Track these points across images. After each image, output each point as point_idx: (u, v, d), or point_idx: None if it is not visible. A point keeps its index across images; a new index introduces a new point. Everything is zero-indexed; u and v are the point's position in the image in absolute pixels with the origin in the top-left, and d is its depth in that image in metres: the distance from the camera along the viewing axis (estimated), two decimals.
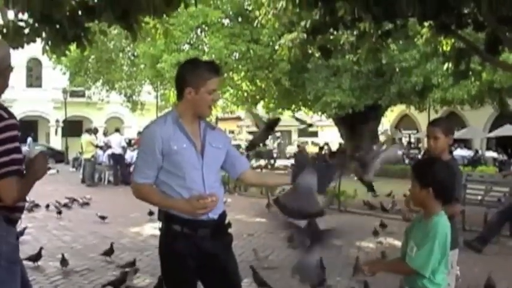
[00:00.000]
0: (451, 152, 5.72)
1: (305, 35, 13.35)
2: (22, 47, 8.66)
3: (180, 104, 3.82)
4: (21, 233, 10.05)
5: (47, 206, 14.76)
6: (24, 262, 7.33)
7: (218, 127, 4.22)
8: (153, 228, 11.14)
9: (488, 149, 41.23)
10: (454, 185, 3.79)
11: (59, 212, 13.60)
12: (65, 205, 15.09)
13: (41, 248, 8.51)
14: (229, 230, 4.05)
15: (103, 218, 12.67)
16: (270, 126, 4.60)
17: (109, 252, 8.84)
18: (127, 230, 11.80)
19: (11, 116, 3.34)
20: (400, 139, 50.48)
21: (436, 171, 3.58)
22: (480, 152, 37.94)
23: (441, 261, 3.49)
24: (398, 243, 9.91)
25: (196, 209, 3.61)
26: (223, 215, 3.89)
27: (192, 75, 3.75)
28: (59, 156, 41.61)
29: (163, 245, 3.85)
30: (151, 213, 12.06)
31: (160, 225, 3.87)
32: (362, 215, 14.25)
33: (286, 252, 9.53)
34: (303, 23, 12.98)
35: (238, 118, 56.88)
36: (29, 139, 40.12)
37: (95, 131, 24.98)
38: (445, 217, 3.57)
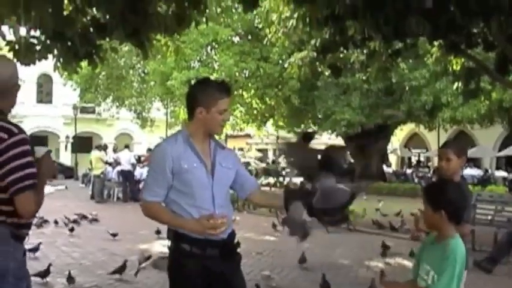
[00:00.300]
0: None
1: (315, 54, 13.39)
2: (34, 63, 8.71)
3: (191, 124, 3.83)
4: (36, 249, 10.11)
5: (56, 222, 14.78)
6: (33, 278, 7.35)
7: (228, 147, 4.21)
8: (161, 246, 11.11)
9: (498, 168, 41.08)
10: (465, 206, 3.77)
11: (71, 229, 13.55)
12: (74, 221, 15.11)
13: (50, 265, 8.51)
14: (238, 249, 4.04)
15: (114, 235, 12.65)
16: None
17: (121, 269, 8.80)
18: (136, 247, 11.76)
19: (21, 131, 3.36)
20: (409, 158, 50.41)
21: (448, 194, 3.55)
22: (490, 171, 37.82)
23: (458, 284, 3.45)
24: (407, 263, 9.89)
25: (206, 229, 3.60)
26: (232, 235, 3.88)
27: (203, 95, 3.76)
28: (69, 172, 41.71)
29: (172, 264, 3.83)
30: (158, 231, 12.04)
31: (169, 244, 3.86)
32: (371, 234, 14.17)
33: (296, 272, 9.51)
34: (313, 42, 13.03)
35: (248, 136, 56.85)
36: None
37: (104, 148, 25.06)
38: (461, 239, 3.54)
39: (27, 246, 9.23)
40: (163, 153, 3.72)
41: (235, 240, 3.96)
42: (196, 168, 3.70)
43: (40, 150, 3.50)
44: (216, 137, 4.00)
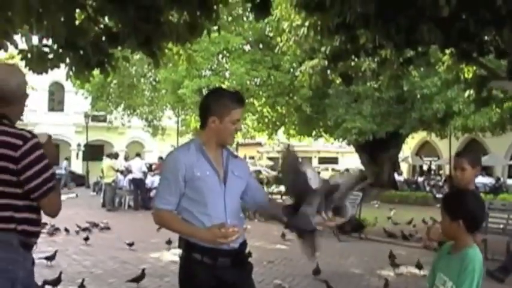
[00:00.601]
0: None
1: (326, 62, 13.38)
2: (46, 72, 8.74)
3: (203, 133, 3.84)
4: (53, 257, 10.18)
5: (67, 230, 14.79)
6: (44, 286, 7.36)
7: (239, 156, 4.20)
8: (173, 255, 11.13)
9: (510, 176, 40.87)
10: (483, 216, 3.75)
11: (86, 239, 13.33)
12: (85, 229, 15.13)
13: (61, 273, 8.50)
14: (249, 259, 4.02)
15: (130, 244, 12.53)
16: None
17: (139, 278, 8.76)
18: (147, 256, 11.77)
19: (33, 135, 3.45)
20: (421, 166, 50.26)
21: (466, 204, 3.53)
22: (502, 179, 37.64)
23: None
24: (419, 272, 9.84)
25: (217, 238, 3.57)
26: (244, 244, 3.86)
27: (216, 105, 3.77)
28: (80, 180, 41.81)
29: (182, 274, 3.81)
30: (169, 241, 11.90)
31: (180, 253, 3.85)
32: (382, 243, 14.10)
33: (307, 281, 9.48)
34: (323, 49, 13.02)
35: (259, 144, 56.89)
36: (65, 162, 39.96)
37: (115, 156, 25.07)
38: (478, 249, 3.51)
39: (43, 254, 9.37)
40: (176, 161, 3.73)
41: (247, 250, 3.95)
42: (208, 176, 3.70)
43: (40, 136, 3.55)
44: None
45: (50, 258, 10.19)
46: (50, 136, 3.71)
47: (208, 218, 3.66)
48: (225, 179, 3.78)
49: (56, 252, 10.42)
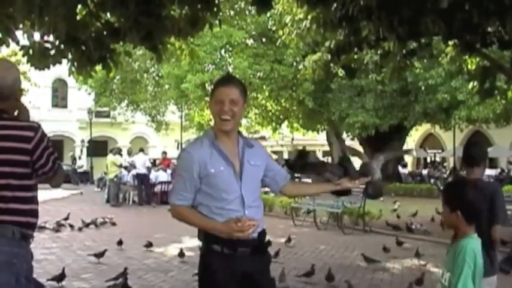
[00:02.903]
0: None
1: (329, 56, 13.33)
2: (48, 68, 8.72)
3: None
4: (102, 254, 10.18)
5: (71, 226, 14.81)
6: (49, 282, 7.37)
7: (257, 142, 4.10)
8: (177, 249, 11.10)
9: None
10: (482, 206, 3.70)
11: (120, 243, 12.11)
12: (89, 225, 15.15)
13: (64, 268, 8.48)
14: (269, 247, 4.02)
15: (149, 245, 12.05)
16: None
17: None
18: (152, 251, 11.77)
19: (38, 124, 3.59)
20: (425, 158, 50.23)
21: (464, 194, 3.50)
22: (506, 171, 37.58)
23: (475, 284, 3.38)
24: (423, 263, 9.83)
25: (234, 232, 3.58)
26: (263, 234, 3.85)
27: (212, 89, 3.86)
28: (84, 176, 41.89)
29: (202, 265, 3.82)
30: (182, 254, 11.25)
31: (200, 245, 3.86)
32: (387, 236, 14.09)
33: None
34: (327, 43, 12.97)
35: (263, 138, 56.87)
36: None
37: (118, 151, 24.99)
38: (475, 239, 3.47)
39: (92, 251, 9.44)
40: (189, 157, 3.72)
41: (266, 240, 3.95)
42: (223, 172, 3.69)
43: None
44: None
45: (99, 255, 10.23)
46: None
47: (225, 212, 3.68)
48: (241, 170, 3.76)
49: (105, 250, 10.54)
